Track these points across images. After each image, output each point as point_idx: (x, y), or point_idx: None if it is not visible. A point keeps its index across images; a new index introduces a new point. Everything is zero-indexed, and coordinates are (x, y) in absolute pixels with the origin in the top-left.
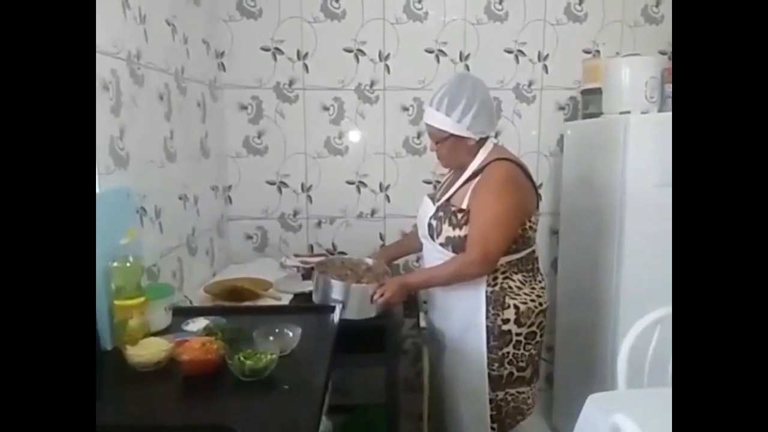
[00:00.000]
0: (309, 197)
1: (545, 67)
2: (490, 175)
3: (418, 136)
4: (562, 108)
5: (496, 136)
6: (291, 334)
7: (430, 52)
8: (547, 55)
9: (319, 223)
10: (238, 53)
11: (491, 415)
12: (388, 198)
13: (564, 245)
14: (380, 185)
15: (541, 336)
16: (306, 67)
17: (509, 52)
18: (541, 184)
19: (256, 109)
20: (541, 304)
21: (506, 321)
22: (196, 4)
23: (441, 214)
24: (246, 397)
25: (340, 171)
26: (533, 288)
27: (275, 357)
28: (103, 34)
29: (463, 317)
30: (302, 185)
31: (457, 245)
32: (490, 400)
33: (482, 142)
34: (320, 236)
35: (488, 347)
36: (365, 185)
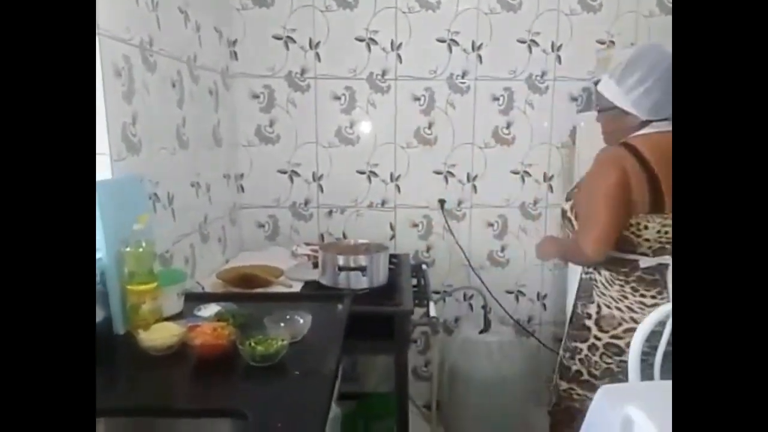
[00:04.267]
0: (320, 186)
1: (558, 58)
2: (596, 156)
3: (430, 126)
4: (575, 99)
5: (508, 127)
6: (301, 320)
7: (442, 41)
8: (561, 46)
9: (330, 213)
10: (250, 42)
11: (552, 402)
12: (398, 188)
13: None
14: (391, 175)
15: (623, 355)
16: (318, 56)
17: (522, 42)
18: (552, 176)
19: (267, 98)
20: (634, 320)
21: (588, 316)
22: None
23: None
24: (256, 383)
25: (351, 160)
26: (625, 295)
27: (286, 343)
28: (115, 20)
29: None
30: (313, 174)
31: (563, 219)
32: (556, 385)
33: (645, 124)
34: (331, 225)
35: (568, 331)
36: (376, 175)
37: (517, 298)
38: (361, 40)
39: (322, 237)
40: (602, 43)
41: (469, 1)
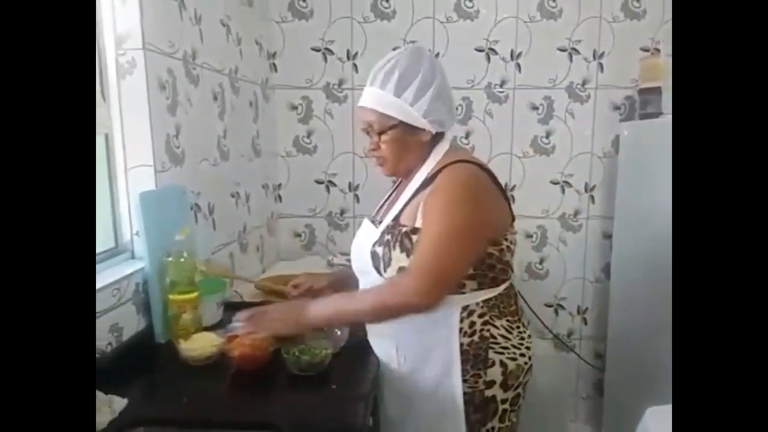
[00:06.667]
0: (356, 196)
1: (600, 66)
2: (443, 181)
3: (467, 135)
4: (617, 108)
5: (547, 137)
6: (339, 332)
7: (481, 50)
8: (603, 53)
9: None
10: (289, 54)
11: None
12: None
13: (618, 250)
14: None
15: (523, 398)
16: (355, 67)
17: (563, 50)
18: (594, 186)
19: (305, 109)
20: (530, 358)
21: (490, 384)
22: (249, 5)
23: (388, 238)
24: (293, 396)
25: None
26: (522, 338)
27: (330, 352)
28: (160, 34)
29: (431, 385)
30: (350, 184)
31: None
32: None
33: (436, 140)
34: None
35: (468, 424)
36: None
37: (556, 312)
38: None
39: None
40: (646, 50)
41: (509, 10)
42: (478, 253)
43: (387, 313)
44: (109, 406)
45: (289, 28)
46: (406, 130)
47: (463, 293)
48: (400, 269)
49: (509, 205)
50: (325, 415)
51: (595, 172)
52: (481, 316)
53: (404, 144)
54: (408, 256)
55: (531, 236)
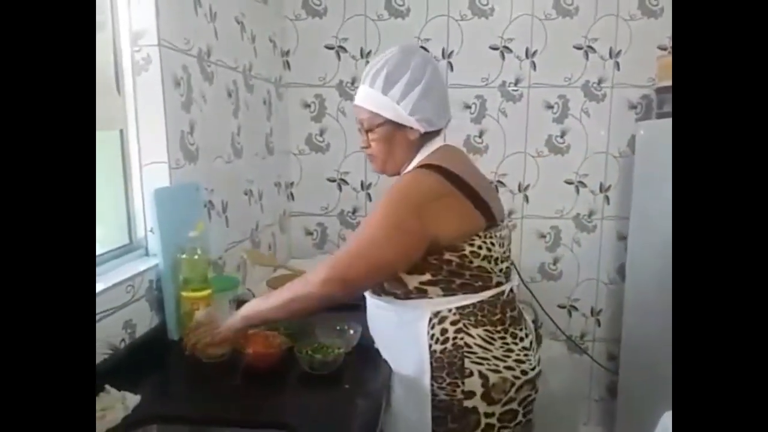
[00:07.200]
0: (368, 195)
1: (617, 64)
2: (392, 185)
3: (480, 134)
4: (634, 107)
5: (562, 136)
6: (352, 331)
7: (495, 48)
8: (619, 52)
9: None
10: (302, 52)
11: None
12: None
13: (633, 251)
14: None
15: (525, 415)
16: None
17: (578, 48)
18: (609, 187)
19: (318, 107)
20: (525, 372)
21: (469, 395)
22: (264, 2)
23: None
24: (306, 394)
25: None
26: (509, 350)
27: (343, 351)
28: (175, 31)
29: (405, 386)
30: (362, 183)
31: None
32: None
33: (427, 139)
34: None
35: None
36: None
37: (569, 313)
38: None
39: None
40: (663, 48)
41: (524, 7)
42: (410, 258)
43: (297, 303)
44: (122, 403)
45: (302, 25)
46: (393, 127)
47: (430, 298)
48: None
49: (487, 209)
50: (338, 414)
51: (610, 172)
52: (453, 323)
53: (392, 142)
54: None
55: (544, 236)
